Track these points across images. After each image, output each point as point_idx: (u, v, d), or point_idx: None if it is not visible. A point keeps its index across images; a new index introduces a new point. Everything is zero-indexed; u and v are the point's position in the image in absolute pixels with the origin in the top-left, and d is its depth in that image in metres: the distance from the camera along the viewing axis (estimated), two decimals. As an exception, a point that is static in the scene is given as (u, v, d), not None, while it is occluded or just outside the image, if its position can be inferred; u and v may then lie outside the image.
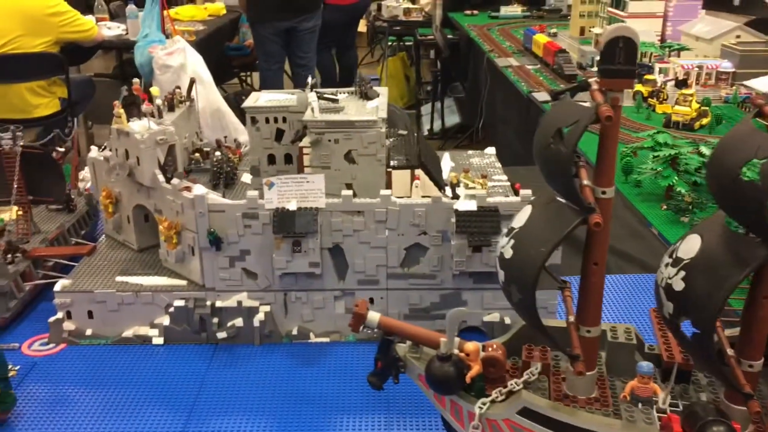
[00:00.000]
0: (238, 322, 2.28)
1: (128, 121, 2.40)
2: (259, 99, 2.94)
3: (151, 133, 2.32)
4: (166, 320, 2.30)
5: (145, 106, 2.40)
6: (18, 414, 1.97)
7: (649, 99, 4.47)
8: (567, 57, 5.35)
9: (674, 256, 1.44)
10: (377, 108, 2.56)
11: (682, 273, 1.39)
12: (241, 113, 7.69)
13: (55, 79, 6.42)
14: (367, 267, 2.25)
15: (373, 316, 1.69)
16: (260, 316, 2.28)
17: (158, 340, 2.30)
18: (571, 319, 1.54)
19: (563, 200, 1.45)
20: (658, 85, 4.54)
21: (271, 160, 2.89)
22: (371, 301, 2.30)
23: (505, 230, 1.54)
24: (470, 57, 7.38)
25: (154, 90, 2.43)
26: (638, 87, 4.62)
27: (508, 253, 1.47)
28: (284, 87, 7.74)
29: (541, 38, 5.87)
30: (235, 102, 7.34)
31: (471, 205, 2.15)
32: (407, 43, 10.59)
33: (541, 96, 4.81)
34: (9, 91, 6.07)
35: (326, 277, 2.27)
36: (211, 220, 2.21)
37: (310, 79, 2.83)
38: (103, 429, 1.94)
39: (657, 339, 1.71)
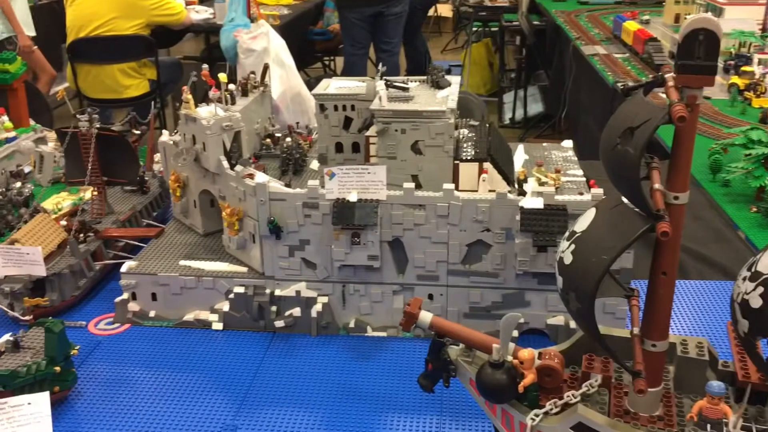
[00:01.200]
0: (296, 311, 2.27)
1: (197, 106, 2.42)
2: (329, 86, 2.91)
3: (217, 119, 2.32)
4: (225, 306, 2.31)
5: (212, 92, 2.40)
6: (78, 392, 2.02)
7: (746, 92, 4.19)
8: (658, 46, 5.07)
9: (753, 269, 1.31)
10: (447, 98, 2.48)
11: (761, 289, 1.26)
12: (322, 98, 7.59)
13: (145, 61, 6.62)
14: (427, 262, 2.19)
15: (425, 316, 1.63)
16: (318, 307, 2.26)
17: (218, 326, 2.32)
18: (636, 331, 1.44)
19: (630, 204, 1.35)
20: (756, 77, 4.25)
21: (339, 148, 2.85)
22: (430, 297, 2.23)
23: (567, 233, 1.45)
24: (556, 44, 7.14)
25: (222, 76, 2.43)
26: (734, 79, 4.34)
27: (568, 259, 1.38)
28: (368, 73, 7.73)
29: (631, 25, 5.60)
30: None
31: (537, 203, 2.05)
32: (492, 29, 10.38)
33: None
34: (102, 71, 6.31)
35: (385, 271, 2.22)
36: (271, 209, 2.20)
37: (380, 67, 2.77)
38: (158, 411, 1.96)
39: (733, 355, 1.58)
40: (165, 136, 2.65)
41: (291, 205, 2.19)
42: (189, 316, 2.34)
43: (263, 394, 2.03)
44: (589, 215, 1.42)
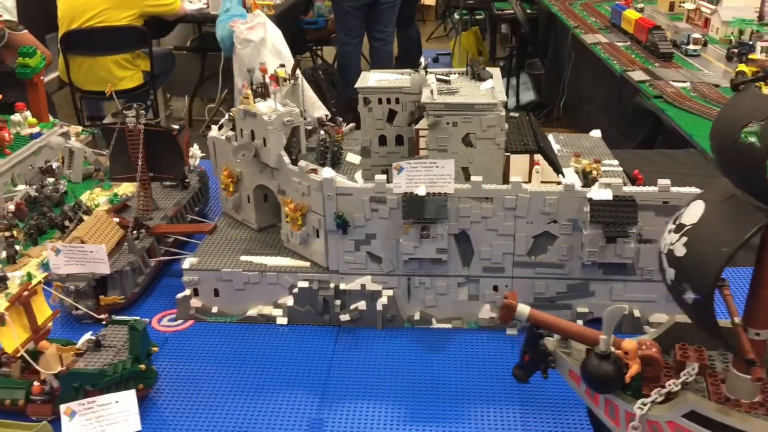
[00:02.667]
0: (361, 305, 2.29)
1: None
2: (369, 79, 2.92)
3: (278, 114, 2.32)
4: (290, 301, 2.32)
5: (273, 87, 2.40)
6: (157, 390, 2.02)
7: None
8: (662, 34, 5.16)
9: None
10: (493, 90, 2.51)
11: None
12: (317, 88, 7.66)
13: (139, 53, 6.53)
14: (494, 254, 2.23)
15: (523, 309, 1.67)
16: (383, 300, 2.28)
17: (282, 320, 2.33)
18: (737, 320, 1.49)
19: (745, 197, 1.39)
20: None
21: (382, 141, 2.87)
22: (495, 288, 2.27)
23: (672, 226, 1.49)
24: (551, 32, 7.19)
25: (280, 71, 2.43)
26: (741, 67, 4.45)
27: (680, 251, 1.42)
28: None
29: (632, 14, 5.68)
30: (312, 76, 7.34)
31: (606, 195, 2.10)
32: (477, 17, 10.41)
33: (637, 75, 4.66)
34: (95, 63, 6.21)
35: (451, 263, 2.25)
36: (337, 203, 2.22)
37: (423, 60, 2.79)
38: (241, 406, 1.98)
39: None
40: (214, 131, 2.64)
41: (358, 199, 2.21)
42: (252, 312, 2.35)
43: (341, 387, 2.05)
44: (697, 208, 1.46)
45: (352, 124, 3.71)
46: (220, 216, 2.71)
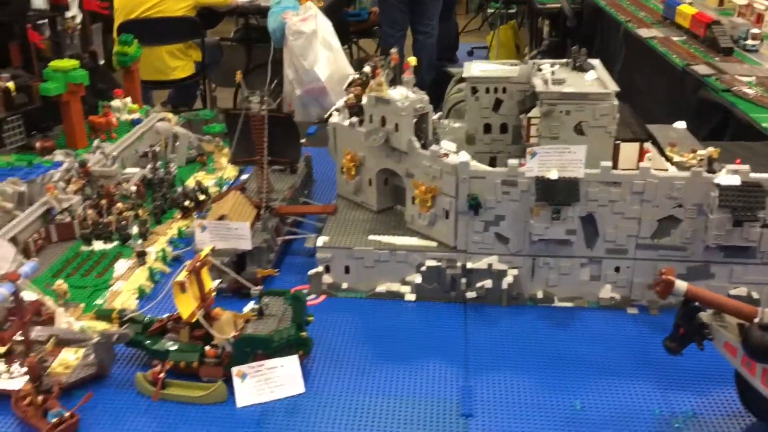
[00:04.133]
0: (488, 283, 2.41)
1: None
2: (472, 69, 3.03)
3: (411, 101, 2.44)
4: (417, 278, 2.44)
5: (405, 76, 2.51)
6: (310, 357, 2.14)
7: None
8: (722, 29, 5.24)
9: None
10: (599, 80, 2.62)
11: None
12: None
13: (191, 43, 6.67)
14: (618, 236, 2.34)
15: (681, 284, 1.78)
16: (509, 279, 2.40)
17: (410, 297, 2.45)
18: None
19: None
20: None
21: (487, 129, 2.99)
22: (617, 270, 2.39)
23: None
24: (597, 27, 7.27)
25: (412, 60, 2.54)
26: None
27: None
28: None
29: (687, 9, 5.76)
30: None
31: (734, 180, 2.21)
32: (510, 11, 10.50)
33: (702, 69, 4.75)
34: (151, 53, 6.35)
35: (575, 244, 2.36)
36: (471, 186, 2.33)
37: (526, 51, 2.90)
38: (391, 373, 2.09)
39: None
40: (336, 117, 2.76)
41: (490, 182, 2.33)
42: (381, 288, 2.47)
43: (481, 359, 2.17)
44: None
45: (440, 112, 3.83)
46: (336, 198, 2.83)
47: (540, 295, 2.43)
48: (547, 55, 8.84)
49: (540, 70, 2.74)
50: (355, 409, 1.95)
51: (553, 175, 2.28)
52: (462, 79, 3.64)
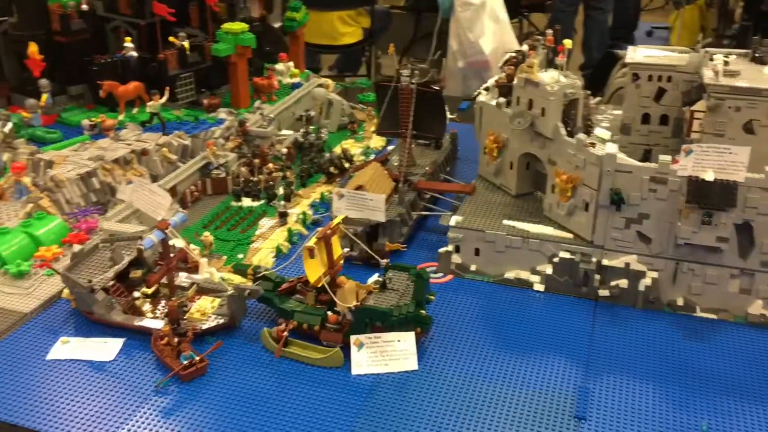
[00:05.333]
0: (623, 283, 2.29)
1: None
2: (636, 54, 2.85)
3: (561, 85, 2.34)
4: (548, 269, 2.37)
5: (558, 59, 2.42)
6: (429, 335, 2.15)
7: None
8: None
9: None
10: (780, 75, 2.37)
11: None
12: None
13: (361, 10, 6.78)
14: (777, 249, 2.13)
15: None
16: (647, 281, 2.26)
17: (539, 287, 2.39)
18: None
19: None
20: None
21: (645, 119, 2.81)
22: (771, 285, 2.18)
23: None
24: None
25: (567, 42, 2.43)
26: None
27: None
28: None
29: None
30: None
31: None
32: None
33: None
34: (322, 18, 6.51)
35: (726, 253, 2.18)
36: (615, 180, 2.21)
37: (700, 38, 2.68)
38: (506, 363, 2.06)
39: None
40: (483, 96, 2.72)
41: (637, 177, 2.20)
42: (510, 274, 2.42)
43: (603, 361, 2.08)
44: None
45: (598, 98, 3.65)
46: (476, 178, 2.80)
47: (680, 302, 2.28)
48: (734, 43, 8.13)
49: (712, 60, 2.53)
50: (465, 394, 1.94)
51: (709, 176, 2.11)
52: (628, 63, 3.45)
